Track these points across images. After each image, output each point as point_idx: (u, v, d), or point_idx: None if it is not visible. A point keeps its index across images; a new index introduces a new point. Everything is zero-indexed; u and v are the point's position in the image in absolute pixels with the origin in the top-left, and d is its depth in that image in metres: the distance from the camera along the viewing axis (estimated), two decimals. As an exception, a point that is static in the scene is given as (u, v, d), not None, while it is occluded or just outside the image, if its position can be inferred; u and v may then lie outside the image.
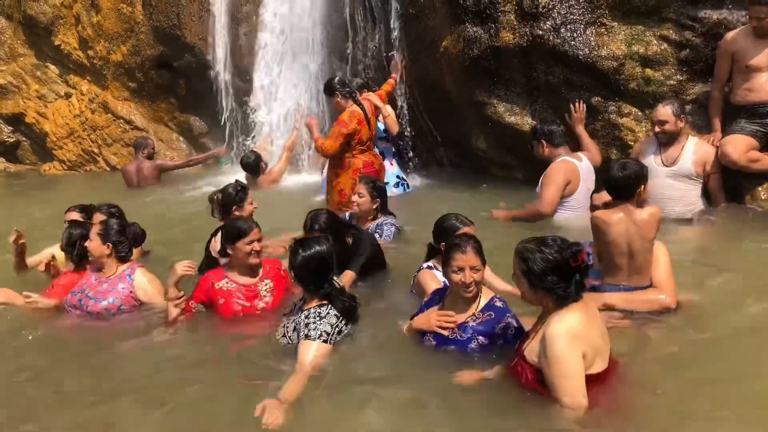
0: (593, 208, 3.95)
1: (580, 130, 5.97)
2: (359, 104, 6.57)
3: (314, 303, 3.57)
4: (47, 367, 3.73)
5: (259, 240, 4.07)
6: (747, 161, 5.29)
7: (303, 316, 3.53)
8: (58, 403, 3.34)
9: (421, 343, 3.45)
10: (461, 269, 3.27)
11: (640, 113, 5.92)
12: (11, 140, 11.39)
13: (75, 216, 5.15)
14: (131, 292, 4.23)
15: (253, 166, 8.07)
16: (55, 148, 10.99)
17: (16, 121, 11.19)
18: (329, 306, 3.55)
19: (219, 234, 4.74)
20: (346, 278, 4.30)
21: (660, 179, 5.40)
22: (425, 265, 4.00)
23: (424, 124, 7.70)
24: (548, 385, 2.77)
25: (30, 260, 5.20)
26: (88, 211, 5.18)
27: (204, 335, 3.97)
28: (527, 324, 3.21)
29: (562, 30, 5.94)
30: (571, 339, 2.74)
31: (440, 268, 3.67)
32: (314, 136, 6.64)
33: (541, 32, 5.99)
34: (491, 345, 3.29)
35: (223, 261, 4.25)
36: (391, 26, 7.33)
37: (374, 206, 5.17)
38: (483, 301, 3.37)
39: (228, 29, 8.94)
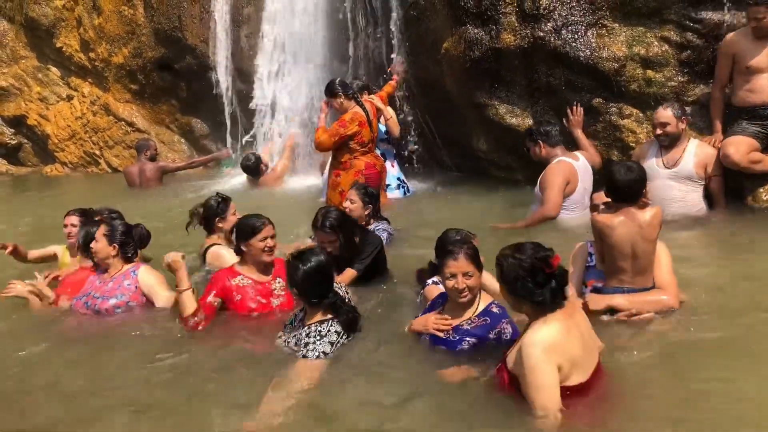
0: (593, 208, 3.91)
1: (579, 133, 5.96)
2: (361, 106, 6.58)
3: (317, 318, 3.53)
4: (50, 368, 3.74)
5: (272, 237, 4.07)
6: (748, 162, 5.29)
7: (304, 333, 3.50)
8: (58, 405, 3.35)
9: (418, 341, 3.52)
10: (453, 275, 3.30)
11: (641, 115, 5.92)
12: (13, 142, 11.42)
13: (74, 220, 5.16)
14: (137, 287, 4.26)
15: (253, 168, 8.08)
16: (57, 150, 11.02)
17: (17, 123, 11.22)
18: (330, 322, 3.51)
19: (212, 249, 4.77)
20: (346, 275, 4.31)
21: (661, 181, 5.39)
22: (430, 281, 4.01)
23: (424, 125, 7.70)
24: (524, 395, 2.75)
25: (32, 252, 5.26)
26: (87, 215, 5.19)
27: (217, 335, 3.93)
28: None
29: (563, 32, 5.94)
30: (546, 350, 2.70)
31: None
32: (319, 123, 6.65)
33: (542, 34, 5.99)
34: (482, 346, 3.31)
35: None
36: (392, 28, 7.33)
37: (366, 212, 5.16)
38: (481, 306, 3.39)
39: (229, 31, 8.95)
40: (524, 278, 2.79)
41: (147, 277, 4.30)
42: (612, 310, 3.66)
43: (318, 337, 3.46)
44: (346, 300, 3.72)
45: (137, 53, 9.83)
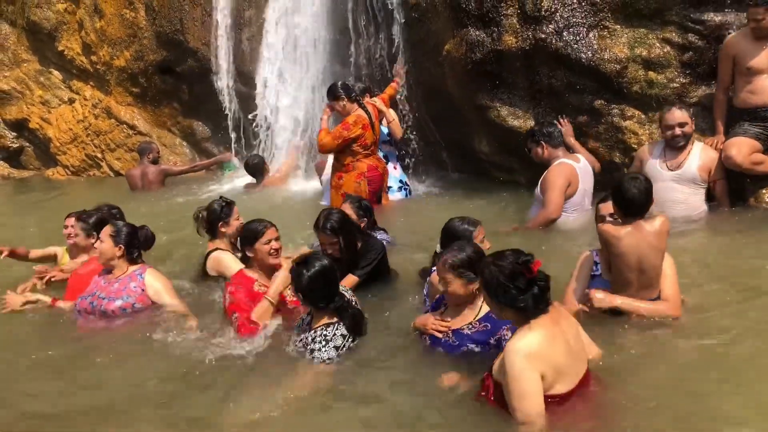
0: (600, 219, 3.86)
1: (572, 141, 5.93)
2: (364, 108, 6.58)
3: (323, 321, 3.56)
4: (53, 369, 3.74)
5: (277, 239, 4.10)
6: (750, 164, 5.29)
7: (310, 338, 3.53)
8: (61, 409, 3.35)
9: (419, 343, 3.54)
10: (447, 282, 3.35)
11: (643, 116, 5.91)
12: (15, 146, 11.43)
13: (74, 221, 5.16)
14: (143, 290, 4.27)
15: (258, 168, 8.08)
16: (59, 153, 11.03)
17: (19, 126, 11.23)
18: (336, 325, 3.54)
19: (213, 254, 4.74)
20: (347, 281, 4.30)
21: (664, 183, 5.39)
22: (434, 268, 4.00)
23: (426, 127, 7.70)
24: (507, 403, 2.73)
25: (34, 252, 5.28)
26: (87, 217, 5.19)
27: (230, 338, 3.91)
28: None
29: (565, 33, 5.94)
30: (529, 358, 2.67)
31: None
32: (321, 126, 6.65)
33: (543, 36, 5.99)
34: (483, 352, 3.29)
35: None
36: (394, 30, 7.34)
37: (362, 225, 5.15)
38: (483, 311, 3.36)
39: (231, 34, 8.96)
40: (506, 284, 2.77)
41: (154, 282, 4.30)
42: (614, 311, 3.64)
43: (323, 342, 3.48)
44: (353, 303, 3.73)
45: (139, 56, 9.84)
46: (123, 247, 4.31)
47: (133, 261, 4.38)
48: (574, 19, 5.94)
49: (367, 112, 6.57)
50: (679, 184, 5.42)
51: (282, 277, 3.90)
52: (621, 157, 5.99)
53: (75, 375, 3.70)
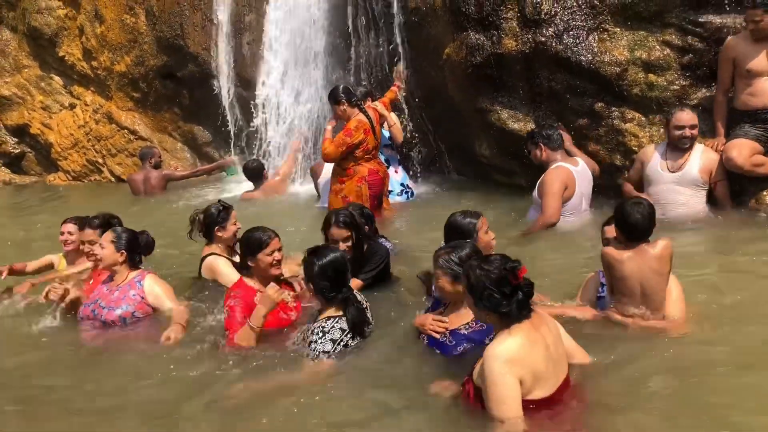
0: (606, 241, 3.85)
1: (573, 150, 5.92)
2: (365, 113, 6.58)
3: (327, 313, 3.59)
4: (55, 375, 3.75)
5: (279, 249, 3.99)
6: (751, 166, 5.29)
7: (310, 329, 3.56)
8: (62, 414, 3.36)
9: (416, 341, 3.57)
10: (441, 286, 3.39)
11: (643, 118, 5.92)
12: (16, 151, 11.44)
13: (71, 228, 5.15)
14: (143, 298, 4.25)
15: (256, 173, 8.07)
16: (60, 158, 11.04)
17: (20, 132, 11.24)
18: (337, 319, 3.55)
19: (207, 259, 4.72)
20: (352, 285, 4.31)
21: (665, 185, 5.40)
22: None
23: (427, 131, 7.71)
24: (486, 408, 2.73)
25: (30, 265, 5.25)
26: (83, 223, 5.18)
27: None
28: None
29: (565, 36, 5.95)
30: (508, 362, 2.69)
31: None
32: (325, 135, 6.64)
33: (543, 39, 6.00)
34: (479, 351, 3.30)
35: None
36: (394, 34, 7.35)
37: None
38: None
39: (231, 39, 8.97)
40: (491, 289, 2.77)
41: (153, 287, 4.28)
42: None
43: (321, 334, 3.49)
44: (363, 306, 3.74)
45: (139, 61, 9.86)
46: (125, 253, 4.30)
47: (134, 266, 4.37)
48: (574, 23, 5.96)
49: (368, 116, 6.57)
50: (681, 186, 5.42)
51: (266, 301, 3.72)
52: (621, 159, 6.00)
53: (73, 384, 3.70)
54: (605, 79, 5.90)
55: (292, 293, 4.02)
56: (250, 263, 3.99)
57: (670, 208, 5.44)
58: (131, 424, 3.20)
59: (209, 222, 4.75)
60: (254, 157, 8.58)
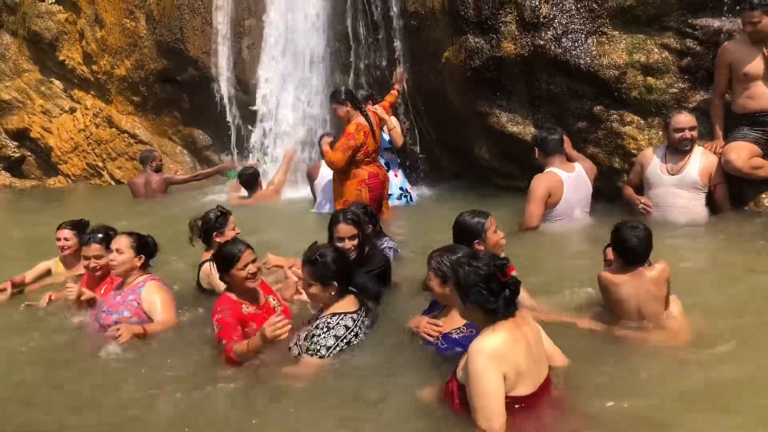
0: (608, 263, 3.85)
1: (569, 150, 5.91)
2: (365, 116, 6.59)
3: (332, 309, 3.59)
4: (55, 380, 3.75)
5: (254, 261, 3.85)
6: (750, 168, 5.29)
7: (314, 326, 3.55)
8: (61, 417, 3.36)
9: (412, 340, 3.60)
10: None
11: (642, 121, 5.93)
12: (16, 155, 11.46)
13: (67, 233, 5.14)
14: (138, 304, 4.19)
15: (251, 181, 8.04)
16: (60, 162, 11.06)
17: (21, 136, 11.26)
18: (342, 315, 3.55)
19: (204, 266, 4.65)
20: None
21: (665, 188, 5.41)
22: None
23: (426, 134, 7.73)
24: (468, 403, 2.74)
25: (28, 275, 5.24)
26: (79, 227, 5.17)
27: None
28: None
29: (564, 40, 5.97)
30: (492, 358, 2.70)
31: None
32: (324, 149, 6.62)
33: (542, 42, 6.01)
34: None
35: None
36: (393, 38, 7.37)
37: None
38: None
39: (230, 43, 8.99)
40: (480, 285, 2.78)
41: (149, 296, 4.21)
42: None
43: (325, 329, 3.50)
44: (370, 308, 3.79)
45: (139, 65, 9.88)
46: (144, 257, 4.30)
47: (145, 270, 4.37)
48: (573, 26, 5.97)
49: (368, 119, 6.58)
50: (680, 188, 5.43)
51: (260, 334, 3.47)
52: (620, 162, 6.01)
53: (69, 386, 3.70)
54: (604, 83, 5.91)
55: (274, 297, 4.04)
56: (225, 279, 3.89)
57: (669, 210, 5.45)
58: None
59: (207, 228, 4.72)
60: (253, 160, 8.58)
